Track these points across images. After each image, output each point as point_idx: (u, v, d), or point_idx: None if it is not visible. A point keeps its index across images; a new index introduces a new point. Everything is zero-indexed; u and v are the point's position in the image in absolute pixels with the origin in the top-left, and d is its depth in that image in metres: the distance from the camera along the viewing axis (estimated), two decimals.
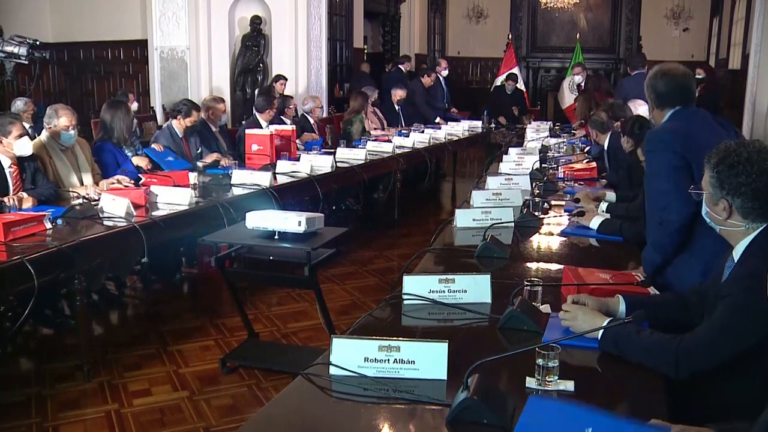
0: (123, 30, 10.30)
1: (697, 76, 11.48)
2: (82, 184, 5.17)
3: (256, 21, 9.98)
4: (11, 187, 4.61)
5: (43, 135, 5.14)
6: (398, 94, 10.32)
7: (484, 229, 3.70)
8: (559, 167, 6.04)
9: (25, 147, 4.63)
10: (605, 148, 5.95)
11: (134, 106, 8.61)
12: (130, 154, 5.77)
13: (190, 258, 6.10)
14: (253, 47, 10.08)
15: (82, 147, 5.34)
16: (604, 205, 4.43)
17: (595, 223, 3.93)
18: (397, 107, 10.36)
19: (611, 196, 4.67)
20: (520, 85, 13.77)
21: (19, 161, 4.68)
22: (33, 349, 4.72)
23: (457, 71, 17.81)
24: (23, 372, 4.37)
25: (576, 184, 5.47)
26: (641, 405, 2.03)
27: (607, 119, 6.01)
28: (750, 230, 2.27)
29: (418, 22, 16.41)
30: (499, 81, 14.46)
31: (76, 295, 4.08)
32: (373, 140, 8.08)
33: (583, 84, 11.46)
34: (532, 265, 3.43)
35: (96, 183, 5.22)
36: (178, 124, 6.23)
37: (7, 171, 4.62)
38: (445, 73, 12.02)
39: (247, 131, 6.65)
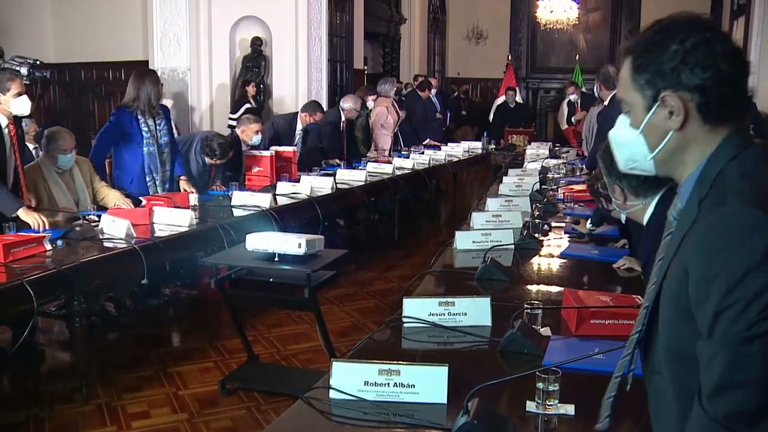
0: (124, 51, 10.30)
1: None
2: (77, 206, 5.17)
3: (256, 42, 10.00)
4: (7, 147, 4.57)
5: (41, 157, 5.13)
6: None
7: (484, 251, 3.70)
8: (559, 188, 6.04)
9: (22, 106, 4.54)
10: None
11: None
12: (145, 126, 5.67)
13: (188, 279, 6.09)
14: (253, 68, 10.09)
15: (81, 166, 5.31)
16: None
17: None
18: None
19: None
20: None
21: (15, 121, 4.63)
22: (31, 369, 4.69)
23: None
24: (21, 393, 4.33)
25: (576, 206, 5.46)
26: (644, 430, 2.01)
27: (614, 74, 5.94)
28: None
29: (418, 43, 16.45)
30: (499, 101, 14.55)
31: (75, 317, 4.05)
32: (373, 161, 8.08)
33: (578, 102, 11.47)
34: (533, 288, 3.42)
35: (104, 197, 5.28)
36: (210, 160, 6.26)
37: (4, 130, 4.57)
38: (434, 91, 12.10)
39: (247, 152, 6.66)
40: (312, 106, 7.80)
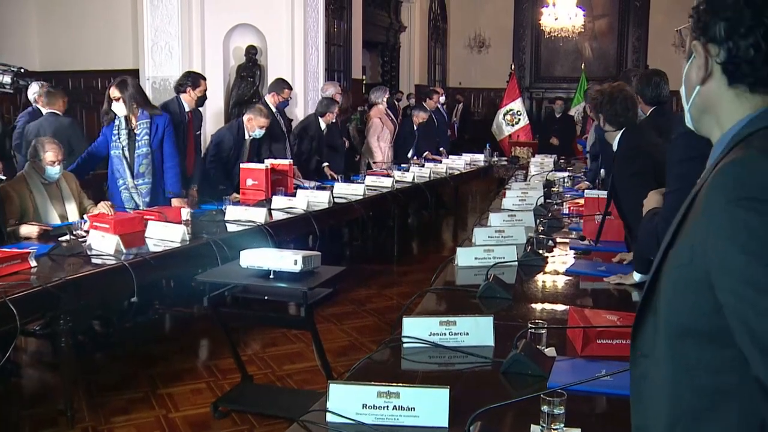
0: (114, 59, 10.20)
1: None
2: (64, 218, 5.08)
3: (251, 51, 9.92)
4: None
5: (26, 168, 5.04)
6: (420, 116, 10.18)
7: (487, 268, 3.61)
8: (564, 203, 5.93)
9: None
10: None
11: None
12: (115, 130, 5.70)
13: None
14: (248, 78, 9.99)
15: (68, 179, 5.24)
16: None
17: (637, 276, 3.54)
18: (415, 128, 10.24)
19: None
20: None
21: None
22: (12, 392, 4.59)
23: None
24: (1, 417, 4.22)
25: (582, 220, 5.34)
26: None
27: None
28: None
29: (418, 52, 16.42)
30: (501, 113, 14.43)
31: (61, 336, 3.95)
32: (371, 175, 7.99)
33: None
34: (537, 306, 3.33)
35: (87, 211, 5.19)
36: (189, 98, 6.22)
37: None
38: (442, 99, 12.04)
39: (243, 165, 6.56)
40: (277, 84, 7.73)
